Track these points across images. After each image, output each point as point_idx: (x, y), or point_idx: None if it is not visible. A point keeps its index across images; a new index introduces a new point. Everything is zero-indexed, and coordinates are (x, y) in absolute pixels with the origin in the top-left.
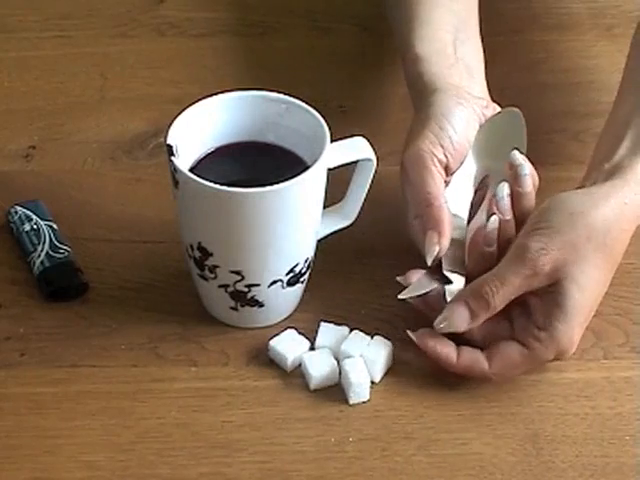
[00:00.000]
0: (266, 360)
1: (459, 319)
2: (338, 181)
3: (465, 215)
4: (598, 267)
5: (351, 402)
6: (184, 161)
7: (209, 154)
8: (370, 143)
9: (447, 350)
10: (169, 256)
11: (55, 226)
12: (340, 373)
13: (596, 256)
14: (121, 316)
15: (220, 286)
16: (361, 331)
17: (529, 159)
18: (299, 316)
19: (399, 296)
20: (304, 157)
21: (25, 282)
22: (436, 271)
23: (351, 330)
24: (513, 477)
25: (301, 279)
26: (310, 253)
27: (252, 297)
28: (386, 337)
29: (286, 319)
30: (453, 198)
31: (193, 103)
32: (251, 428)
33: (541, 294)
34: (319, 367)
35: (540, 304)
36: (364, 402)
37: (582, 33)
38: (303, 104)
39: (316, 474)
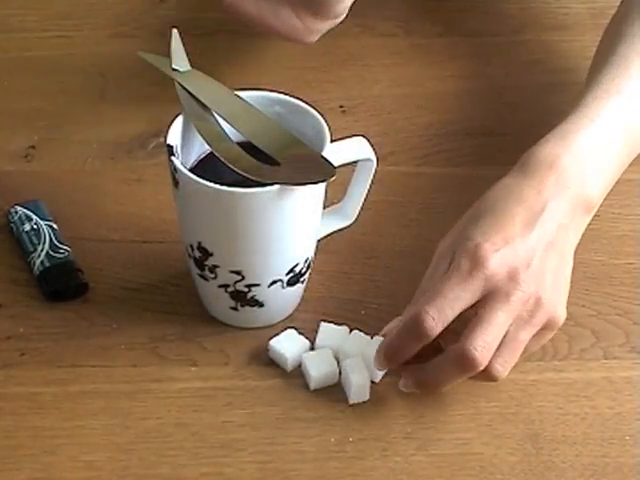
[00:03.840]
0: (266, 360)
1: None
2: (338, 181)
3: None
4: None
5: (351, 402)
6: (184, 161)
7: (209, 154)
8: (370, 143)
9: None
10: (169, 256)
11: (55, 226)
12: (340, 373)
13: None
14: (121, 316)
15: (220, 286)
16: (361, 331)
17: None
18: (299, 316)
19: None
20: None
21: (25, 282)
22: None
23: (351, 330)
24: (513, 477)
25: (301, 279)
26: (310, 253)
27: (252, 297)
28: None
29: (286, 319)
30: None
31: None
32: (251, 428)
33: None
34: (319, 367)
35: None
36: (364, 402)
37: (582, 33)
38: (303, 104)
39: (316, 474)
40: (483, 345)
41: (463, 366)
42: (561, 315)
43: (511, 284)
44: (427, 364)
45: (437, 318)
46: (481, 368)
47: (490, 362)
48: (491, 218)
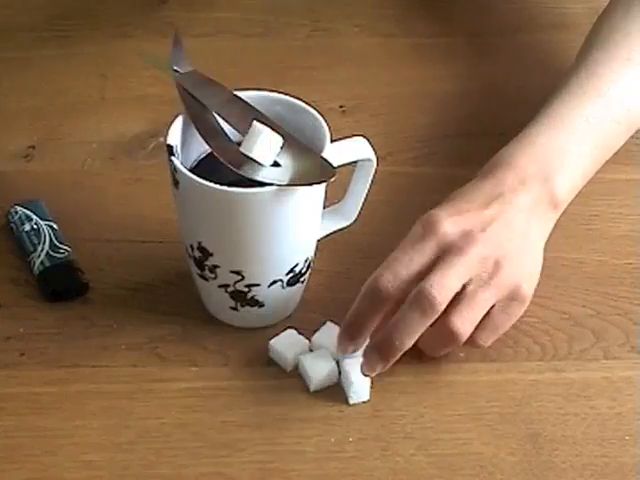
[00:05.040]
0: (266, 360)
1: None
2: (338, 181)
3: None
4: None
5: (351, 402)
6: (184, 161)
7: (209, 154)
8: (370, 143)
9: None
10: (169, 256)
11: (55, 226)
12: (340, 373)
13: None
14: (121, 316)
15: (220, 286)
16: None
17: None
18: (299, 316)
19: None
20: None
21: (25, 282)
22: None
23: None
24: (513, 477)
25: (301, 279)
26: (310, 253)
27: (252, 297)
28: None
29: (286, 319)
30: None
31: None
32: (251, 428)
33: None
34: (318, 369)
35: None
36: (364, 402)
37: (582, 33)
38: (303, 104)
39: (316, 474)
40: (439, 285)
41: (422, 306)
42: (527, 289)
43: (465, 240)
44: (387, 323)
45: (392, 280)
46: (438, 307)
47: (448, 317)
48: (447, 203)
